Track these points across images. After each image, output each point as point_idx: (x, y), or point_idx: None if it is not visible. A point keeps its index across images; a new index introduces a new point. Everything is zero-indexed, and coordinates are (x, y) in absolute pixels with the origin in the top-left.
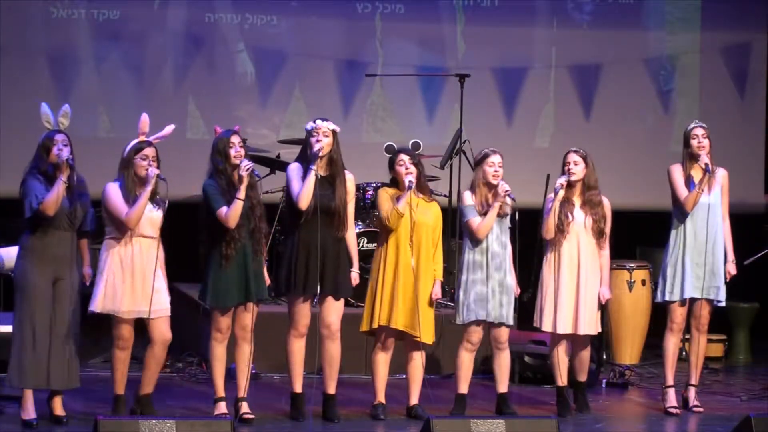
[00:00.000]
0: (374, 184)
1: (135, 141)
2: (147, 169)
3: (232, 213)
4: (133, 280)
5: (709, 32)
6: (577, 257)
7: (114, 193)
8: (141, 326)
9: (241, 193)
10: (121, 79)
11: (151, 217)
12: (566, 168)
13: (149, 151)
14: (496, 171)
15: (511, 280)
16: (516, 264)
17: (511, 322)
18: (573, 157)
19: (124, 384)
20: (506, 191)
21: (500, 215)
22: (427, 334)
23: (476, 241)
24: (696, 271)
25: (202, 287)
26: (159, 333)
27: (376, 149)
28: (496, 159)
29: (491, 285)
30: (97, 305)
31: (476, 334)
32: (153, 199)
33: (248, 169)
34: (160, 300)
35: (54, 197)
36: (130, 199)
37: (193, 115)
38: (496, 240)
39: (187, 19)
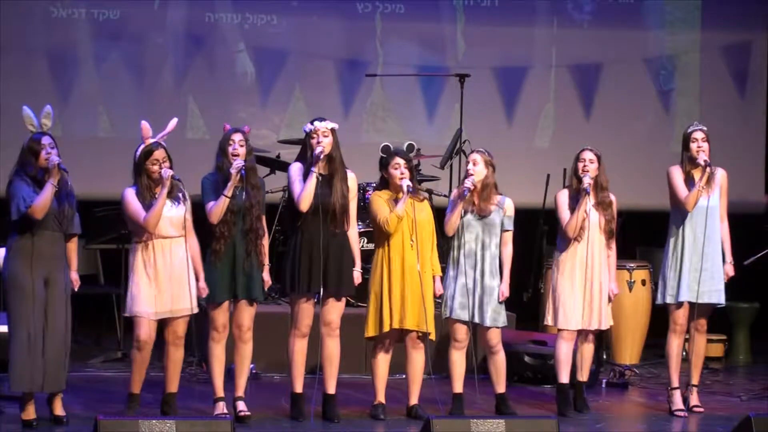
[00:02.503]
0: (374, 184)
1: (143, 145)
2: (159, 173)
3: (214, 209)
4: (158, 282)
5: (709, 32)
6: (593, 255)
7: (131, 198)
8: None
9: (228, 191)
10: (121, 79)
11: (170, 217)
12: (581, 165)
13: (158, 154)
14: (469, 169)
15: (492, 281)
16: (514, 268)
17: (489, 323)
18: (588, 155)
19: (141, 384)
20: (461, 189)
21: (482, 215)
22: (432, 329)
23: (450, 237)
24: (694, 274)
25: None
26: (172, 333)
27: (376, 149)
28: (471, 157)
29: (462, 282)
30: (128, 309)
31: (459, 331)
32: (173, 196)
33: (238, 168)
34: (184, 300)
35: (43, 201)
36: (146, 203)
37: (193, 115)
38: (475, 239)
39: (187, 19)
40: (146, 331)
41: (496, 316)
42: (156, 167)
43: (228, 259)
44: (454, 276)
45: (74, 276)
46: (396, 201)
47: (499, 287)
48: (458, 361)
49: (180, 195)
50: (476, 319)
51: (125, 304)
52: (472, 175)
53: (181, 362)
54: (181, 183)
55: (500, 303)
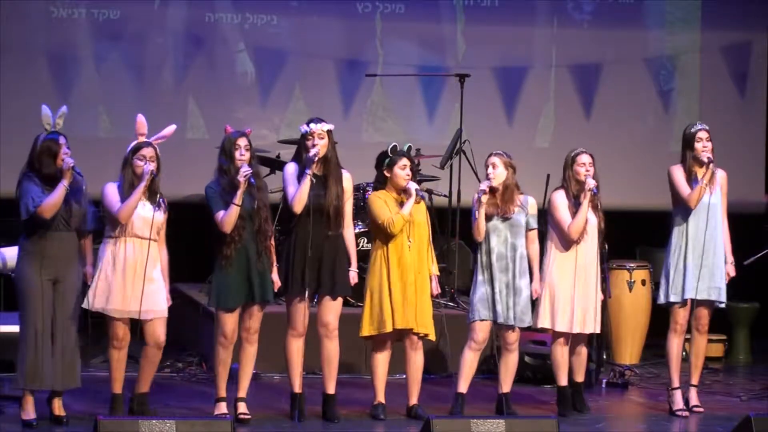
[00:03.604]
0: (374, 185)
1: (135, 142)
2: (142, 168)
3: (227, 218)
4: (125, 279)
5: (709, 32)
6: (591, 257)
7: (110, 191)
8: (137, 326)
9: (237, 199)
10: (121, 79)
11: (146, 218)
12: (582, 170)
13: (147, 151)
14: (489, 172)
15: (521, 281)
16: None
17: (520, 323)
18: (588, 159)
19: (122, 383)
20: (480, 190)
21: (506, 217)
22: (432, 329)
23: (479, 242)
24: (696, 271)
25: (209, 289)
26: (151, 336)
27: (376, 149)
28: (489, 160)
29: (496, 287)
30: (90, 302)
31: (481, 333)
32: (154, 200)
33: (246, 175)
34: (155, 302)
35: (53, 201)
36: (125, 197)
37: (193, 115)
38: (504, 242)
39: (187, 19)
40: (123, 329)
41: (523, 316)
42: (141, 163)
43: (241, 263)
44: (487, 280)
45: (89, 270)
46: (400, 202)
47: (528, 286)
48: (471, 361)
49: (161, 201)
50: (509, 321)
51: (86, 296)
52: (492, 178)
53: (157, 364)
54: (157, 181)
55: (529, 302)
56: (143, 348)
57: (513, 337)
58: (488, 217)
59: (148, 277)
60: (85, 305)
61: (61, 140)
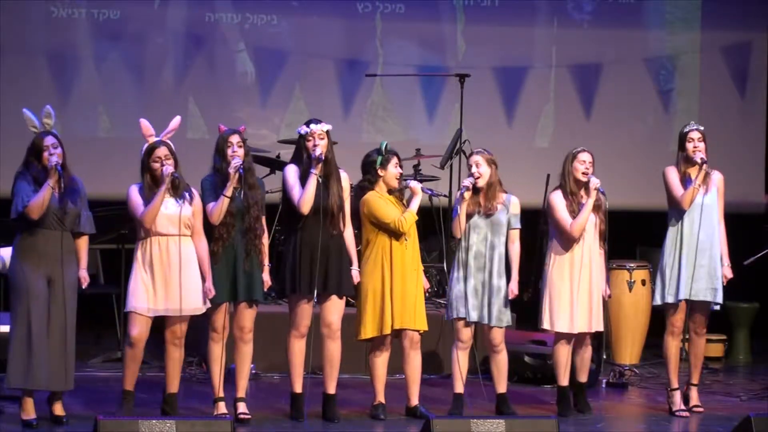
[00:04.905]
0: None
1: (147, 144)
2: (160, 170)
3: (215, 210)
4: (153, 279)
5: (709, 32)
6: (589, 257)
7: (133, 195)
8: (154, 326)
9: (228, 191)
10: (121, 79)
11: (168, 215)
12: (582, 167)
13: (160, 152)
14: (473, 171)
15: (500, 281)
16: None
17: (494, 322)
18: (589, 158)
19: (134, 381)
20: (464, 186)
21: (488, 215)
22: (424, 323)
23: (458, 239)
24: (691, 272)
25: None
26: (170, 332)
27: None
28: (472, 159)
29: (472, 284)
30: (128, 305)
31: (464, 332)
32: (179, 195)
33: (236, 166)
34: (186, 299)
35: (38, 201)
36: (148, 200)
37: (193, 115)
38: (483, 240)
39: (187, 19)
40: (138, 328)
41: (501, 315)
42: (157, 165)
43: (228, 260)
44: (462, 277)
45: (83, 274)
46: (400, 199)
47: (506, 286)
48: (460, 360)
49: (186, 194)
50: (484, 320)
51: (127, 300)
52: (478, 177)
53: (181, 362)
54: (180, 179)
55: (507, 302)
56: (165, 349)
57: (498, 337)
58: (469, 215)
59: (177, 275)
60: (125, 308)
61: (48, 140)
